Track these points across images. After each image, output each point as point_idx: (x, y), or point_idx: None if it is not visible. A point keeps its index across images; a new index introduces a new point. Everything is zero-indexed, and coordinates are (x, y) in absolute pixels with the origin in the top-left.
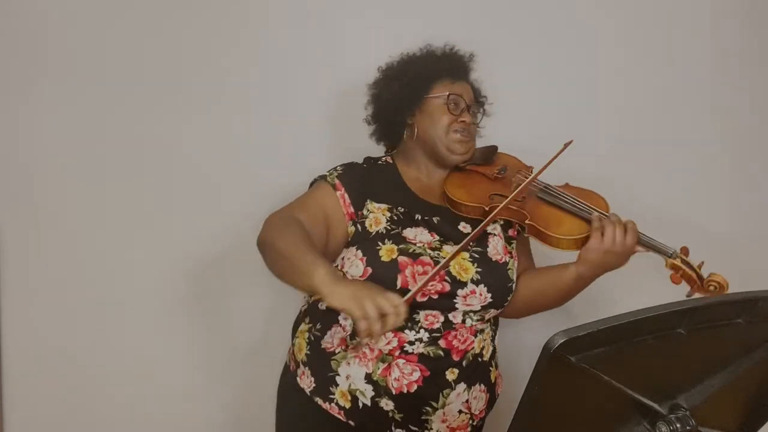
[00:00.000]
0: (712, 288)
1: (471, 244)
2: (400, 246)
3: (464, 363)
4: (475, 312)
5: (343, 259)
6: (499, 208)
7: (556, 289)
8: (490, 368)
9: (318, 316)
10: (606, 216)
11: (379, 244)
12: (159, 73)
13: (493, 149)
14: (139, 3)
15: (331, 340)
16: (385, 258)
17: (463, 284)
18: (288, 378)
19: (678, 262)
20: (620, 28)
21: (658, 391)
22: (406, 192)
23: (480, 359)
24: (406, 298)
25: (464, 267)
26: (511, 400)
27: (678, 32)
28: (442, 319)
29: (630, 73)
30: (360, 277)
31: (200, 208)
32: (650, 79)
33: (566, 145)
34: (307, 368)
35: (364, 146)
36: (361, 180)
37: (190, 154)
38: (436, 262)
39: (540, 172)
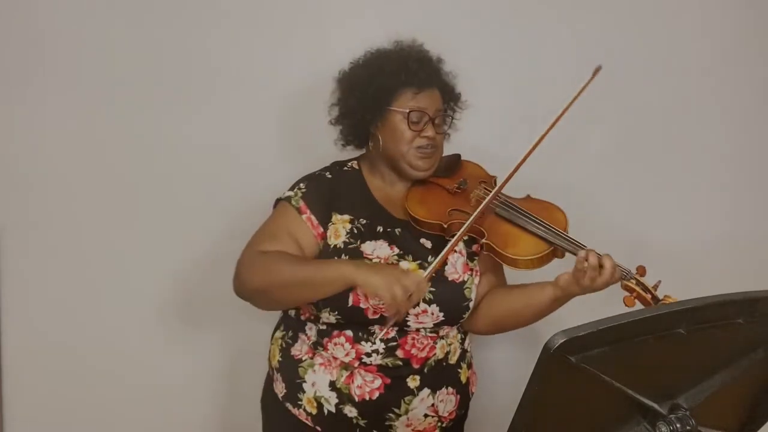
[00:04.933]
0: None
1: (428, 264)
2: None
3: (426, 370)
4: (427, 328)
5: None
6: (456, 237)
7: (530, 310)
8: (459, 370)
9: (289, 325)
10: (586, 250)
11: (336, 259)
12: (143, 74)
13: (456, 158)
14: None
15: (300, 347)
16: None
17: (415, 305)
18: (267, 382)
19: (632, 283)
20: (611, 27)
21: (658, 391)
22: (371, 202)
23: (444, 364)
24: (426, 275)
25: None
26: (511, 400)
27: (674, 31)
28: (396, 329)
29: (626, 74)
30: None
31: (198, 209)
32: (647, 79)
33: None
34: (279, 374)
35: (331, 152)
36: (326, 194)
37: (185, 154)
38: None
39: (500, 187)
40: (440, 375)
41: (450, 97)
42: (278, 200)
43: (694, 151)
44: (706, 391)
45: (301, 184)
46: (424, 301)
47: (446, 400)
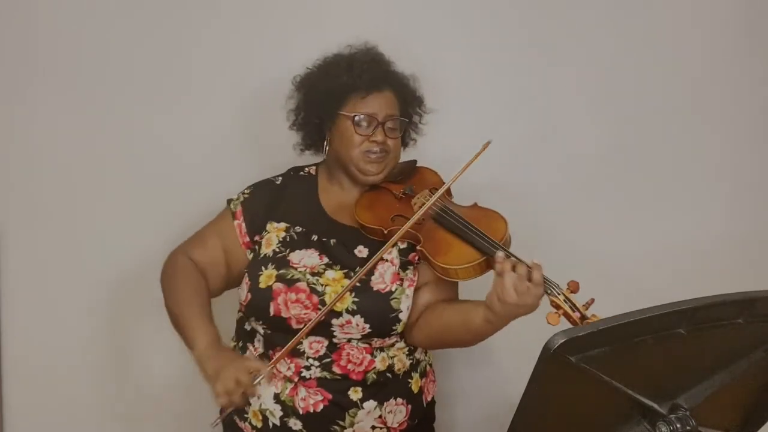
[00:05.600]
0: None
1: (355, 273)
2: (281, 271)
3: (368, 382)
4: (357, 339)
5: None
6: (387, 244)
7: (465, 330)
8: (409, 380)
9: (240, 335)
10: (508, 255)
11: (262, 268)
12: (147, 75)
13: (411, 164)
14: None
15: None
16: (262, 284)
17: (338, 314)
18: None
19: (560, 299)
20: (603, 27)
21: (658, 391)
22: (315, 209)
23: (389, 375)
24: (267, 369)
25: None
26: (511, 400)
27: (673, 31)
28: (326, 343)
29: (625, 73)
30: (243, 302)
31: (198, 209)
32: (646, 78)
33: (484, 146)
34: None
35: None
36: (266, 202)
37: (183, 156)
38: (312, 289)
39: (435, 197)
40: (385, 387)
41: (409, 101)
42: (228, 201)
43: (692, 151)
44: (706, 391)
45: (247, 190)
46: (347, 311)
47: (395, 411)
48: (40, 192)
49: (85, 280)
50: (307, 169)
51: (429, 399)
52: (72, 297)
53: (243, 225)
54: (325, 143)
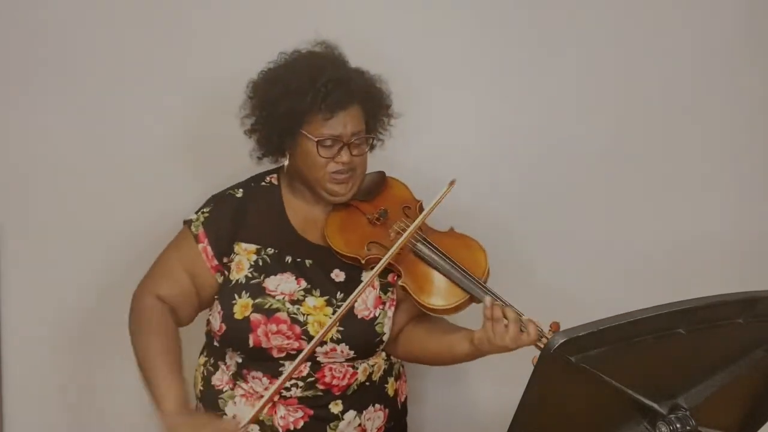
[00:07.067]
0: None
1: (337, 300)
2: (257, 300)
3: (348, 393)
4: (340, 362)
5: (211, 311)
6: (367, 279)
7: (447, 357)
8: (385, 385)
9: (211, 351)
10: (494, 298)
11: (236, 296)
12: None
13: (380, 178)
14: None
15: (221, 377)
16: (238, 315)
17: (323, 343)
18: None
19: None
20: (602, 26)
21: (658, 391)
22: (284, 226)
23: (368, 383)
24: (245, 423)
25: (324, 325)
26: (511, 400)
27: (670, 32)
28: (309, 363)
29: (622, 71)
30: (217, 332)
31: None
32: (643, 77)
33: (450, 185)
34: (201, 404)
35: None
36: (231, 221)
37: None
38: (294, 319)
39: (417, 224)
40: (364, 395)
41: (376, 111)
42: (184, 222)
43: (692, 150)
44: (706, 391)
45: (206, 208)
46: (332, 340)
47: (373, 417)
48: (40, 191)
49: (84, 279)
50: (268, 178)
51: (403, 399)
52: (71, 296)
53: (209, 248)
54: (288, 158)
